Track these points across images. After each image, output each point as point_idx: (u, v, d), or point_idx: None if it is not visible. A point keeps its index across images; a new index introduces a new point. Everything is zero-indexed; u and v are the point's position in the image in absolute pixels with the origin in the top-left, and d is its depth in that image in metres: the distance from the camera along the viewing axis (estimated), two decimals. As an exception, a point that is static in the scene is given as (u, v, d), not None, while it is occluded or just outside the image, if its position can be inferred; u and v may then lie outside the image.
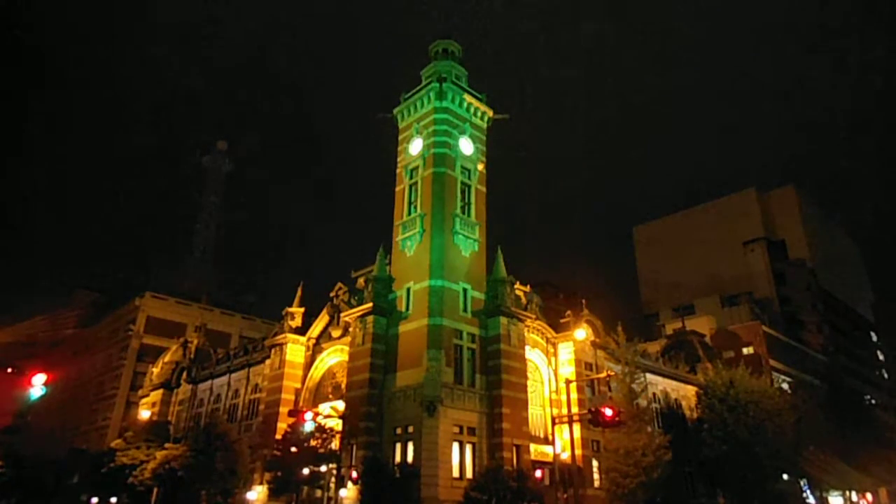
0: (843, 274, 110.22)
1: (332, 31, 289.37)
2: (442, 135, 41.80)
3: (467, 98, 43.87)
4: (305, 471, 33.74)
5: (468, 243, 39.91)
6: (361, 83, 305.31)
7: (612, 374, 39.38)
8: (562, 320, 43.90)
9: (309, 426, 32.49)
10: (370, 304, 38.25)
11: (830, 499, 56.01)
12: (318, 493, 35.96)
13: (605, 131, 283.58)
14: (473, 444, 34.90)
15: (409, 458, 33.33)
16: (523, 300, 42.15)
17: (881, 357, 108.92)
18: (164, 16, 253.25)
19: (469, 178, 42.54)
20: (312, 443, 33.82)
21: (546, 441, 38.76)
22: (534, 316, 41.32)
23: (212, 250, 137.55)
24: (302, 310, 46.10)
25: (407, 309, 38.26)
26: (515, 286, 41.65)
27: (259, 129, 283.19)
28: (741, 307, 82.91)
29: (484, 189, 43.29)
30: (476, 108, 44.57)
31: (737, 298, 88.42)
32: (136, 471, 41.03)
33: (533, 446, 37.14)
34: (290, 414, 32.18)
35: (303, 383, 44.06)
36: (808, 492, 52.15)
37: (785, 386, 62.69)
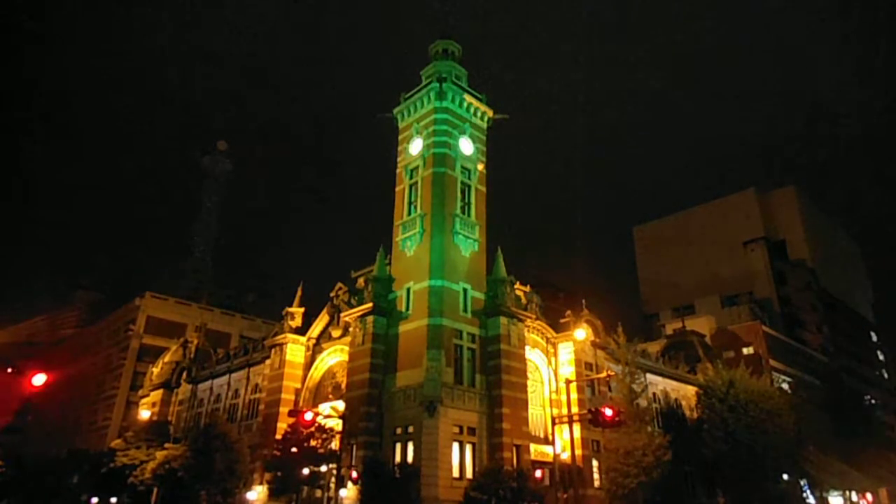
0: (843, 274, 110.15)
1: (332, 31, 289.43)
2: (442, 135, 41.79)
3: (467, 98, 43.85)
4: (305, 471, 33.73)
5: (468, 243, 39.90)
6: (361, 83, 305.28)
7: (612, 374, 39.37)
8: (562, 320, 43.87)
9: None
10: (370, 304, 38.25)
11: (830, 499, 55.95)
12: (318, 493, 35.96)
13: (605, 131, 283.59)
14: (473, 444, 34.88)
15: (409, 458, 33.32)
16: (523, 300, 42.14)
17: (881, 357, 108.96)
18: (164, 14, 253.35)
19: (469, 178, 42.53)
20: (312, 443, 33.82)
21: (546, 441, 38.75)
22: (534, 316, 41.30)
23: (212, 250, 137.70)
24: (302, 310, 46.10)
25: (407, 309, 38.25)
26: (515, 286, 41.63)
27: (259, 128, 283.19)
28: (741, 307, 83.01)
29: (484, 189, 43.28)
30: (476, 108, 44.56)
31: (737, 298, 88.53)
32: (136, 471, 41.01)
33: (533, 446, 37.12)
34: (290, 414, 32.16)
35: (303, 383, 44.06)
36: (808, 492, 52.10)
37: (785, 386, 62.66)
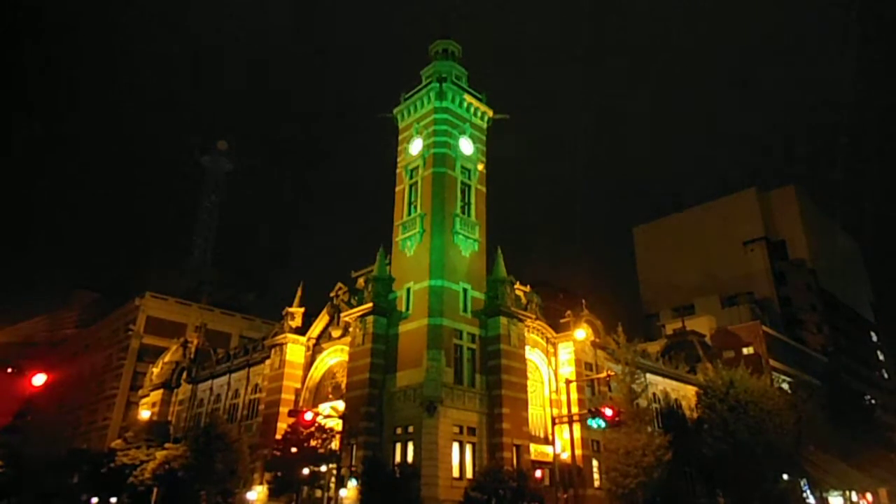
0: (843, 274, 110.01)
1: (331, 31, 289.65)
2: (442, 135, 41.80)
3: (467, 98, 43.86)
4: (305, 471, 33.74)
5: (468, 243, 39.91)
6: (361, 83, 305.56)
7: (612, 374, 39.38)
8: (562, 320, 43.89)
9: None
10: (370, 304, 38.26)
11: (830, 499, 55.90)
12: (318, 493, 35.96)
13: (605, 131, 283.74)
14: (473, 444, 34.90)
15: (409, 458, 33.34)
16: (523, 300, 42.15)
17: (881, 357, 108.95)
18: (163, 14, 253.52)
19: (469, 178, 42.54)
20: (312, 443, 33.83)
21: (546, 441, 38.76)
22: (534, 316, 41.31)
23: (212, 250, 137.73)
24: (302, 310, 46.10)
25: (407, 309, 38.26)
26: (515, 286, 41.65)
27: (259, 128, 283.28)
28: (741, 307, 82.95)
29: (484, 189, 43.29)
30: (476, 108, 44.56)
31: (737, 298, 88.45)
32: (136, 471, 41.04)
33: (533, 446, 37.14)
34: (290, 414, 32.18)
35: (303, 383, 44.07)
36: (808, 492, 52.04)
37: (785, 386, 62.65)
